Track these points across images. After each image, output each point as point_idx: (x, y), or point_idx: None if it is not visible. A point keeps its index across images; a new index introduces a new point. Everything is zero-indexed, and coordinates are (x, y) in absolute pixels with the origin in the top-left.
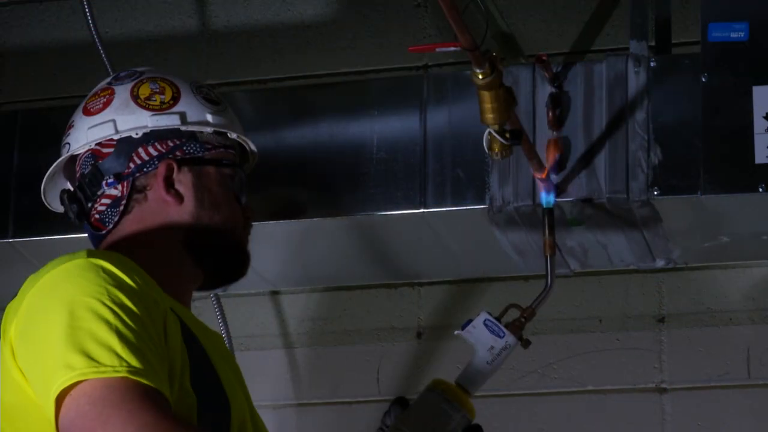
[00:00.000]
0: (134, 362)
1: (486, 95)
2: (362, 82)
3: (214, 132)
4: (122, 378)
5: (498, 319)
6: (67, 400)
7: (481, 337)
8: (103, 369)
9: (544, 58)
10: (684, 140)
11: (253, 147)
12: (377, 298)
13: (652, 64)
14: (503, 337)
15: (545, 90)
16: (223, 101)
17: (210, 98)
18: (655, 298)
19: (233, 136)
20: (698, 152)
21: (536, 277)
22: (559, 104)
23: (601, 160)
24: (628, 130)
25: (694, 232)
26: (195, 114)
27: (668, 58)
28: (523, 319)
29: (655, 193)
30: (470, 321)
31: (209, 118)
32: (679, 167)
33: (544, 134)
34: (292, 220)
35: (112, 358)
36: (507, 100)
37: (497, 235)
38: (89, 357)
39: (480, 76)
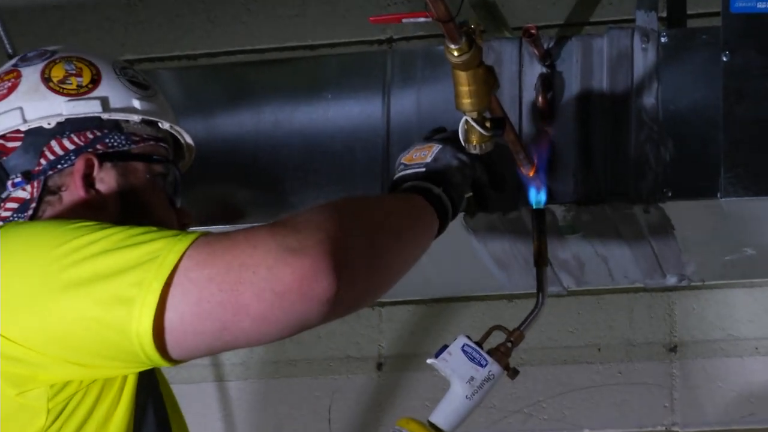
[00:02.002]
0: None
1: (462, 76)
2: (313, 59)
3: (143, 121)
4: (194, 238)
5: (479, 344)
6: (177, 282)
7: (458, 366)
8: (179, 239)
9: (533, 31)
10: (701, 131)
11: (189, 139)
12: None
13: (662, 39)
14: (485, 365)
15: (534, 70)
16: (152, 85)
17: (137, 81)
18: (665, 323)
19: (165, 126)
20: (718, 146)
21: (522, 296)
22: (550, 87)
23: (601, 155)
24: (634, 118)
25: (712, 243)
26: (119, 99)
27: (682, 32)
28: (509, 344)
29: (668, 195)
30: (445, 347)
31: (136, 104)
32: (695, 164)
33: (532, 123)
34: (228, 225)
35: (166, 235)
36: (488, 81)
37: (475, 245)
38: (154, 248)
39: (455, 53)
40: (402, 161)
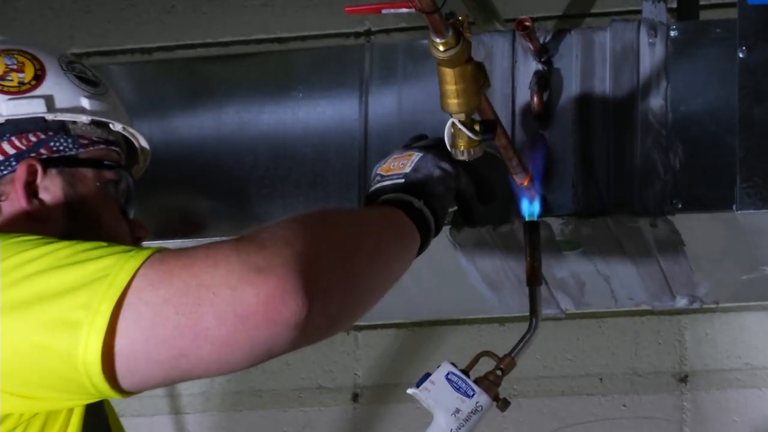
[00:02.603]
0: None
1: (448, 73)
2: (282, 54)
3: (92, 122)
4: (148, 254)
5: (465, 372)
6: (129, 303)
7: (442, 396)
8: (131, 255)
9: (527, 23)
10: (714, 136)
11: (143, 143)
12: None
13: (672, 33)
14: (473, 396)
15: (529, 67)
16: (103, 81)
17: (85, 77)
18: (675, 350)
19: (117, 128)
20: (733, 152)
21: (515, 319)
22: (547, 86)
23: (602, 163)
24: (640, 122)
25: (727, 261)
26: (66, 98)
27: (694, 25)
28: (499, 372)
29: (677, 206)
30: (428, 375)
31: (85, 103)
32: (708, 172)
33: (527, 126)
34: (186, 240)
35: (117, 251)
36: (477, 80)
37: (463, 263)
38: (103, 266)
39: (441, 48)
40: (378, 172)
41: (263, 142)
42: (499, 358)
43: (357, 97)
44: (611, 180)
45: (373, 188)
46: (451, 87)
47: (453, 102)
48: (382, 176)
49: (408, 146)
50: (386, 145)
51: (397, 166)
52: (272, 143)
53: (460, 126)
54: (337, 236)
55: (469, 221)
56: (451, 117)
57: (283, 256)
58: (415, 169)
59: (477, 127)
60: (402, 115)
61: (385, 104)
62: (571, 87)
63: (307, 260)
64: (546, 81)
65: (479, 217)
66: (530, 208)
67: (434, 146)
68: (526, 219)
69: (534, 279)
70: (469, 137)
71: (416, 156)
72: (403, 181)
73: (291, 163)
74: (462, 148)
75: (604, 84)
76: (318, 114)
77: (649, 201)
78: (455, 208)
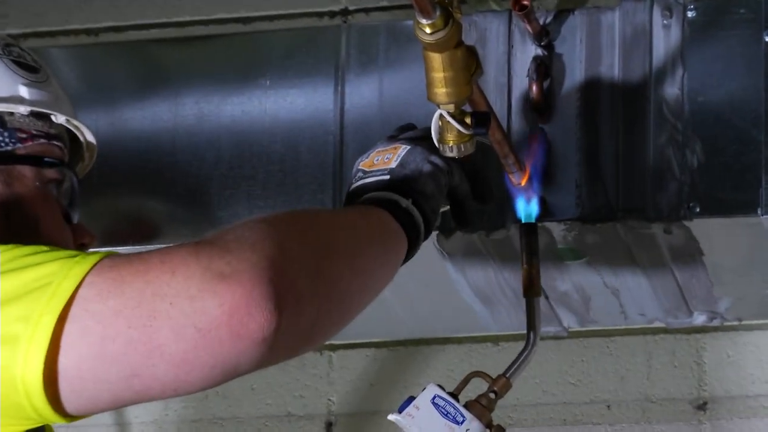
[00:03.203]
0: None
1: (436, 59)
2: (248, 36)
3: (32, 114)
4: (96, 260)
5: (454, 395)
6: (75, 315)
7: (428, 423)
8: (76, 261)
9: (525, 2)
10: (737, 130)
11: (90, 137)
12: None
13: (689, 13)
14: (462, 423)
15: (527, 52)
16: (43, 67)
17: (24, 62)
18: (692, 373)
19: (60, 120)
20: (758, 149)
21: (510, 338)
22: (547, 74)
23: (611, 160)
24: (653, 114)
25: (751, 273)
26: (1, 86)
27: (714, 5)
28: (492, 395)
29: (695, 210)
30: (411, 399)
31: (23, 92)
32: (730, 172)
33: (524, 119)
34: (139, 246)
35: (60, 256)
36: (468, 66)
37: (452, 274)
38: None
39: (427, 30)
40: (360, 167)
41: (226, 136)
42: (492, 379)
43: (332, 85)
44: (620, 180)
45: (353, 186)
46: (438, 74)
47: (441, 91)
48: (365, 172)
49: (394, 138)
50: (365, 140)
51: (381, 161)
52: (236, 137)
53: (448, 118)
54: (311, 239)
55: (463, 223)
56: (439, 108)
57: (249, 260)
58: (401, 164)
59: (468, 120)
60: (383, 106)
61: (364, 94)
62: (575, 75)
63: (276, 266)
64: (546, 68)
65: (475, 218)
66: (527, 208)
67: (424, 138)
68: (523, 220)
69: (532, 289)
70: (458, 131)
71: (403, 149)
72: (388, 177)
73: (257, 161)
74: (451, 144)
75: (612, 71)
76: (288, 104)
77: (663, 204)
78: (447, 208)
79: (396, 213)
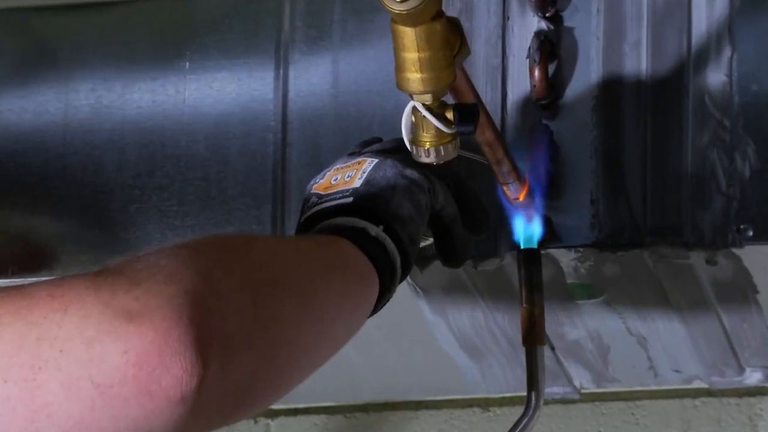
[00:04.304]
0: None
1: (408, 35)
2: (160, 3)
3: None
4: None
5: None
6: None
7: None
8: None
9: None
10: None
11: None
12: None
13: None
14: None
15: (528, 25)
16: None
17: None
18: None
19: None
20: None
21: (504, 402)
22: (554, 55)
23: (636, 168)
24: (691, 108)
25: None
26: None
27: None
28: None
29: (747, 234)
30: None
31: None
32: None
33: (524, 114)
34: (20, 279)
35: None
36: (450, 44)
37: (428, 315)
38: None
39: None
40: (313, 191)
41: (132, 134)
42: None
43: (271, 67)
44: (649, 194)
45: (305, 215)
46: (411, 55)
47: (414, 77)
48: (320, 196)
49: (355, 153)
50: (315, 139)
51: (341, 180)
52: (145, 136)
53: (424, 112)
54: (248, 268)
55: (451, 257)
56: (412, 99)
57: (164, 295)
58: (368, 182)
59: (450, 115)
60: (338, 96)
61: (314, 79)
62: (590, 55)
63: (200, 302)
64: (552, 46)
65: (465, 249)
66: (527, 230)
67: (396, 150)
68: (521, 246)
69: (533, 335)
70: (437, 129)
71: (369, 163)
72: (351, 199)
73: (173, 166)
74: (427, 146)
75: (638, 52)
76: (214, 93)
77: (704, 226)
78: (429, 240)
79: (363, 243)
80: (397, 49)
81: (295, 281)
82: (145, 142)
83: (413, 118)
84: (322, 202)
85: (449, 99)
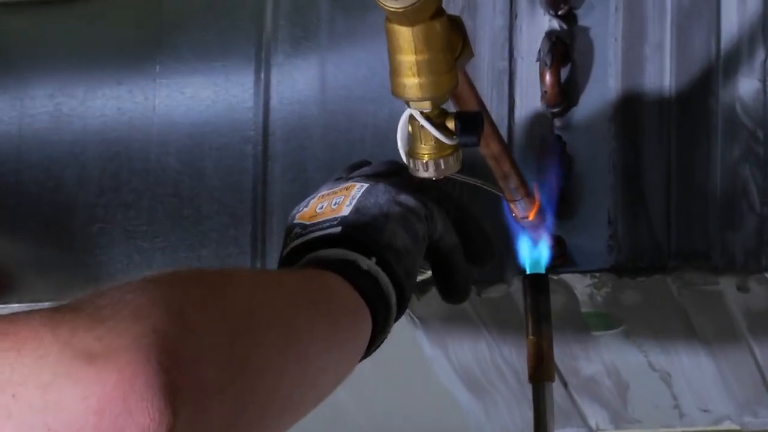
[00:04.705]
0: None
1: (404, 35)
2: (128, 1)
3: None
4: None
5: None
6: None
7: None
8: None
9: None
10: None
11: None
12: None
13: None
14: None
15: (538, 24)
16: None
17: None
18: None
19: None
20: None
21: None
22: (568, 56)
23: (659, 185)
24: (721, 116)
25: None
26: None
27: None
28: None
29: None
30: None
31: None
32: None
33: (533, 123)
34: None
35: None
36: (451, 45)
37: (426, 349)
38: None
39: None
40: (297, 221)
41: (95, 146)
42: None
43: (252, 71)
44: (673, 213)
45: (288, 248)
46: (408, 58)
47: (412, 82)
48: (304, 227)
49: (342, 178)
50: (300, 152)
51: (328, 208)
52: (110, 148)
53: (422, 122)
54: (225, 306)
55: (452, 292)
56: (409, 107)
57: (130, 334)
58: (358, 209)
59: (450, 124)
60: (326, 103)
61: (299, 84)
62: (608, 59)
63: (171, 342)
64: (566, 48)
65: (467, 284)
66: (536, 252)
67: (387, 173)
68: (528, 271)
69: (540, 370)
70: (437, 140)
71: (359, 188)
72: (339, 229)
73: (141, 182)
74: (426, 159)
75: (661, 54)
76: (187, 99)
77: (735, 248)
78: (428, 273)
79: (354, 278)
80: (392, 51)
81: (277, 320)
82: (110, 154)
83: (410, 128)
84: (307, 233)
85: (450, 107)
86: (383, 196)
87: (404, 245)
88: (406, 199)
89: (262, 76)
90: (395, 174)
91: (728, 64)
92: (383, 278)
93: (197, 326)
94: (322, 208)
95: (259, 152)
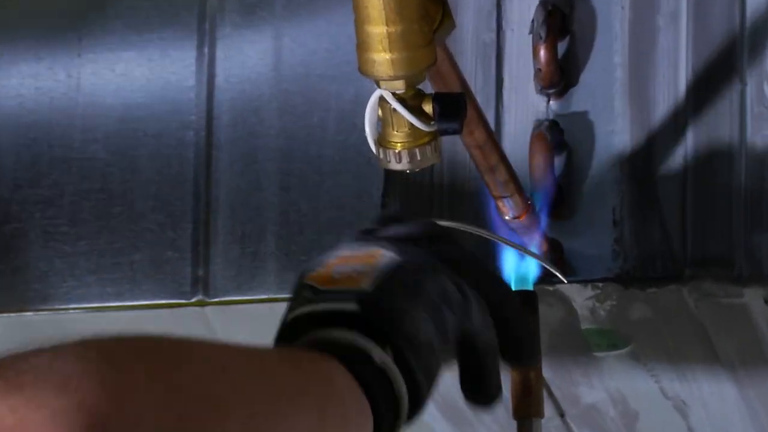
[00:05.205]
0: None
1: (374, 2)
2: None
3: None
4: None
5: None
6: None
7: None
8: None
9: None
10: None
11: None
12: None
13: None
14: None
15: None
16: None
17: None
18: None
19: None
20: None
21: None
22: (566, 28)
23: (673, 180)
24: (748, 101)
25: None
26: None
27: None
28: None
29: None
30: None
31: None
32: None
33: (526, 107)
34: None
35: None
36: (428, 14)
37: None
38: None
39: None
40: (307, 281)
41: (9, 133)
42: None
43: (193, 45)
44: (689, 214)
45: (295, 313)
46: (378, 29)
47: (382, 58)
48: (317, 291)
49: (370, 233)
50: (251, 140)
51: (346, 276)
52: (27, 134)
53: (395, 104)
54: (178, 387)
55: (477, 396)
56: (379, 87)
57: (50, 408)
58: (381, 286)
59: (428, 108)
60: (282, 83)
61: (249, 60)
62: (613, 31)
63: (99, 424)
64: (564, 19)
65: (499, 390)
66: (523, 264)
67: (421, 238)
68: (514, 286)
69: (526, 404)
70: (412, 126)
71: (386, 258)
72: (355, 306)
73: (63, 174)
74: (398, 148)
75: (676, 26)
76: (117, 78)
77: (762, 255)
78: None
79: (361, 373)
80: (359, 22)
81: (245, 412)
82: (27, 141)
83: (380, 112)
84: (317, 300)
85: (427, 87)
86: (413, 274)
87: (427, 340)
88: (441, 282)
89: (206, 50)
90: (432, 242)
91: (755, 36)
92: (397, 378)
93: (137, 407)
94: (339, 273)
95: (202, 139)
